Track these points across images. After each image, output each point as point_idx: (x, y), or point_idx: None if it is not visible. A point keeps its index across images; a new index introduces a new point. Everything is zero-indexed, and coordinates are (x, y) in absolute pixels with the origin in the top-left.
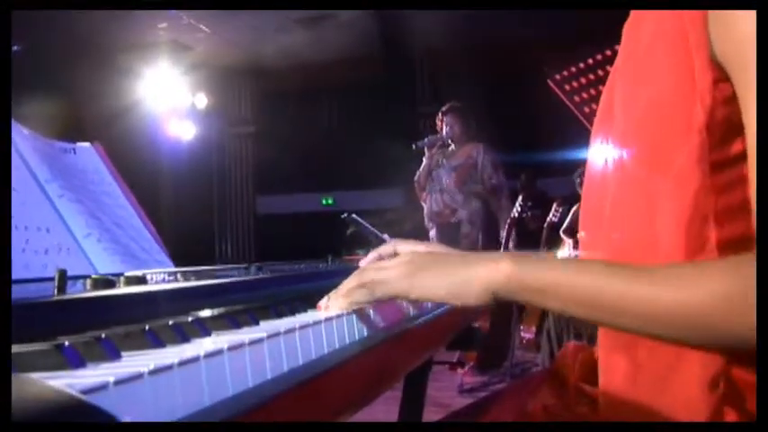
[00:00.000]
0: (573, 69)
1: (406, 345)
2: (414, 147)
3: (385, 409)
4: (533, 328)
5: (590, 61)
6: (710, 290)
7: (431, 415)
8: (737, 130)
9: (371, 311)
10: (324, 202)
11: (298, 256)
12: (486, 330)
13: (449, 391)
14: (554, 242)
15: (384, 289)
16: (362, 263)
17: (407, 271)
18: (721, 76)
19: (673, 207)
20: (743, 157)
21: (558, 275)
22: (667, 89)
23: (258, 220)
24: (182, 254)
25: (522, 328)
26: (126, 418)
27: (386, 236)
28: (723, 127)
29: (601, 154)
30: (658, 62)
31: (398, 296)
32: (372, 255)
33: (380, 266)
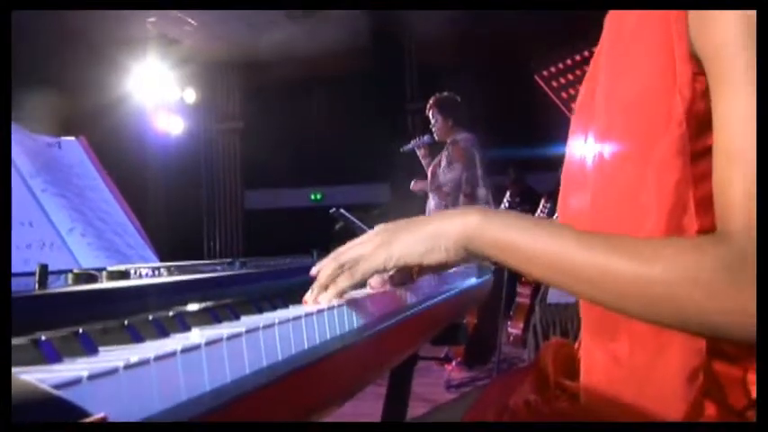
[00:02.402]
0: (560, 66)
1: (389, 340)
2: (401, 150)
3: (371, 405)
4: (521, 325)
5: (578, 58)
6: (673, 265)
7: (418, 411)
8: (712, 122)
9: (353, 306)
10: (312, 197)
11: (286, 252)
12: (474, 326)
13: (436, 387)
14: None
15: (363, 267)
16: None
17: (381, 241)
18: (700, 69)
19: (654, 197)
20: None
21: (519, 235)
22: (649, 80)
23: (246, 216)
24: (170, 250)
25: (509, 324)
26: (99, 414)
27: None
28: (701, 119)
29: (580, 148)
30: (642, 53)
31: (378, 269)
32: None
33: (352, 245)
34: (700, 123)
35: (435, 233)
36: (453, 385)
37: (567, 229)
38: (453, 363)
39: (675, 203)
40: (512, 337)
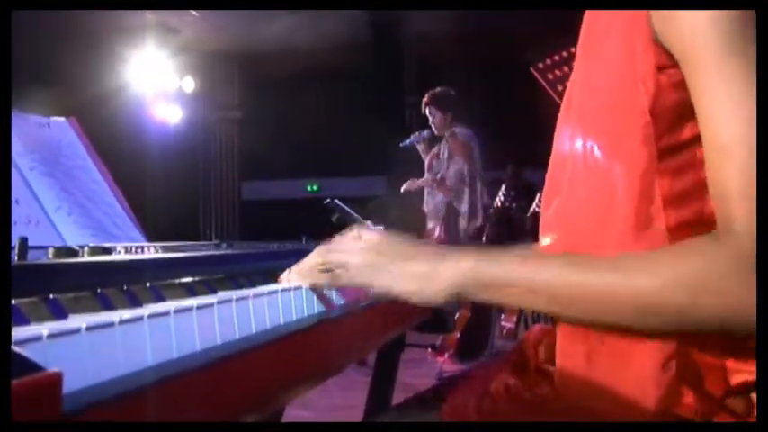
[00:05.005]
0: (556, 58)
1: (368, 321)
2: (400, 146)
3: (361, 395)
4: (514, 318)
5: (572, 50)
6: (667, 276)
7: None
8: (688, 115)
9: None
10: (309, 188)
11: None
12: (467, 319)
13: (427, 378)
14: (538, 232)
15: (346, 277)
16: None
17: (369, 260)
18: (668, 61)
19: (623, 189)
20: (695, 140)
21: (516, 274)
22: (616, 72)
23: (243, 206)
24: (166, 238)
25: (502, 317)
26: (54, 369)
27: (369, 222)
28: (673, 113)
29: (562, 148)
30: (611, 46)
31: (359, 286)
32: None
33: (342, 250)
34: (671, 116)
35: (427, 275)
36: (445, 377)
37: (561, 259)
38: (446, 355)
39: (642, 195)
40: (505, 331)
